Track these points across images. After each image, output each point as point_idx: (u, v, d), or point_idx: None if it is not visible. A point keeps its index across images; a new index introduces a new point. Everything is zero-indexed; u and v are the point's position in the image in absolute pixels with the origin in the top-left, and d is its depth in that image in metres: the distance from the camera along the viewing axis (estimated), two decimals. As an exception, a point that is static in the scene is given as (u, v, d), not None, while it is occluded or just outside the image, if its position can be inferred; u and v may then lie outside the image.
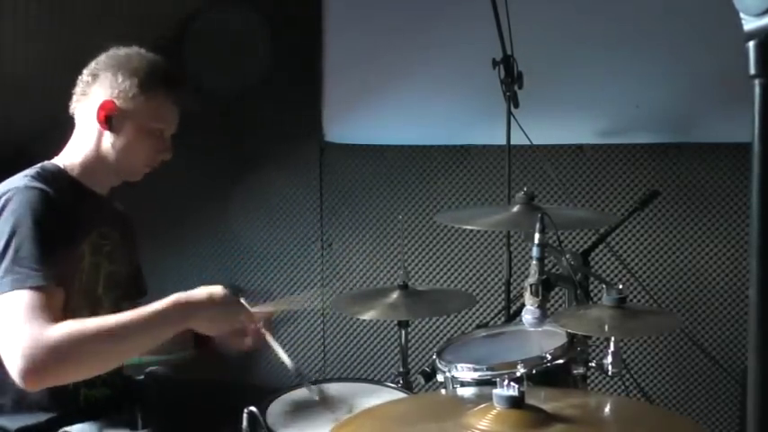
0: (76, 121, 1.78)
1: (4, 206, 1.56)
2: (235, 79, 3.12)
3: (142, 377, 1.98)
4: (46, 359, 1.42)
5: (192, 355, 1.92)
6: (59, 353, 1.43)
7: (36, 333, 1.43)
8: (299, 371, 1.88)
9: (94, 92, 1.74)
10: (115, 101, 1.71)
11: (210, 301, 1.62)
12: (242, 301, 1.75)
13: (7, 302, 1.47)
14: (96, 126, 1.73)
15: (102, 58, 1.77)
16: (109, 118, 1.71)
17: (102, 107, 1.71)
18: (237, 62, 3.20)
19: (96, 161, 1.75)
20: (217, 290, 1.65)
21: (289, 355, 1.88)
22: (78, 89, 1.77)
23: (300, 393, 1.89)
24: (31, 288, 1.48)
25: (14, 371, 1.42)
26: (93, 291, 1.73)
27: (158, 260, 3.28)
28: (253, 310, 1.78)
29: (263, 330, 1.84)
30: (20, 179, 1.64)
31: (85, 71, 1.77)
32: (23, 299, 1.47)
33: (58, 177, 1.70)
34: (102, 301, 1.76)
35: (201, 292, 1.63)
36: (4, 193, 1.59)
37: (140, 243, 2.01)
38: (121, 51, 1.77)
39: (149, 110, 1.74)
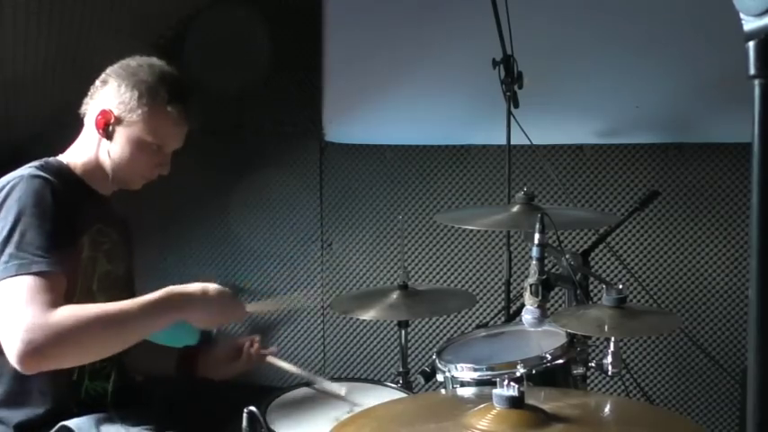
0: (85, 122, 1.80)
1: (9, 193, 1.59)
2: (235, 79, 3.12)
3: (143, 378, 1.98)
4: (45, 341, 1.44)
5: (173, 377, 1.94)
6: (58, 335, 1.46)
7: (37, 315, 1.45)
8: (312, 376, 1.89)
9: (100, 97, 1.76)
10: (114, 110, 1.73)
11: (205, 294, 1.66)
12: (237, 297, 1.78)
13: (11, 286, 1.49)
14: (96, 131, 1.75)
15: (116, 65, 1.79)
16: (106, 126, 1.73)
17: (100, 114, 1.73)
18: (237, 62, 3.20)
19: (95, 165, 1.78)
20: (212, 285, 1.69)
21: (294, 365, 1.90)
22: (90, 91, 1.79)
23: (300, 393, 1.89)
24: (35, 273, 1.50)
25: (13, 353, 1.44)
26: (88, 285, 1.73)
27: (158, 260, 3.30)
28: (248, 307, 1.80)
29: (262, 351, 1.88)
30: (24, 169, 1.66)
31: (101, 75, 1.79)
32: (27, 283, 1.49)
33: (61, 172, 1.72)
34: (96, 298, 1.76)
35: (197, 285, 1.68)
36: (8, 182, 1.61)
37: (136, 251, 2.00)
38: (134, 61, 1.79)
39: (147, 124, 1.74)
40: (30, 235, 1.53)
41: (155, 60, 1.79)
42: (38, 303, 1.47)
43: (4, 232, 1.54)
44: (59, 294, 1.53)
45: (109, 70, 1.79)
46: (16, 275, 1.49)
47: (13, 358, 1.45)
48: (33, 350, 1.44)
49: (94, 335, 1.51)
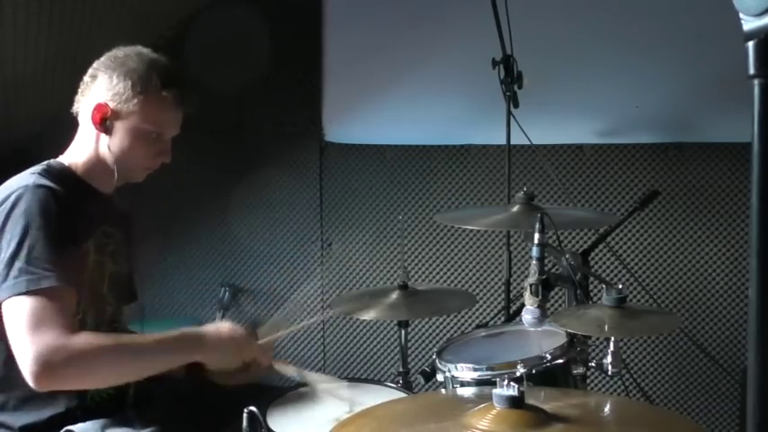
0: (79, 120, 1.77)
1: (15, 205, 1.56)
2: (235, 79, 3.12)
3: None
4: (62, 365, 1.46)
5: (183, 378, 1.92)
6: (76, 362, 1.47)
7: (55, 339, 1.46)
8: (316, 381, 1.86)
9: (92, 93, 1.73)
10: (109, 103, 1.69)
11: (219, 337, 1.66)
12: (252, 331, 1.76)
13: (24, 304, 1.49)
14: (93, 127, 1.73)
15: (103, 58, 1.75)
16: (103, 120, 1.70)
17: (96, 109, 1.70)
18: (237, 62, 3.20)
19: (97, 162, 1.75)
20: (225, 325, 1.69)
21: (299, 367, 1.87)
22: (80, 89, 1.76)
23: (300, 393, 1.89)
24: (45, 289, 1.50)
25: (28, 371, 1.45)
26: (98, 289, 1.73)
27: (158, 260, 3.30)
28: (261, 342, 1.78)
29: (270, 362, 1.84)
30: (27, 177, 1.64)
31: (89, 71, 1.75)
32: (40, 301, 1.49)
33: (64, 176, 1.70)
34: (107, 299, 1.76)
35: (210, 327, 1.68)
36: (13, 192, 1.59)
37: (136, 251, 1.99)
38: (121, 52, 1.75)
39: (144, 113, 1.70)
40: (38, 249, 1.52)
41: (141, 48, 1.75)
42: (54, 326, 1.47)
43: (13, 246, 1.52)
44: (71, 310, 1.53)
45: (96, 64, 1.74)
46: (27, 292, 1.49)
47: (27, 376, 1.46)
48: (49, 372, 1.45)
49: (109, 365, 1.54)
